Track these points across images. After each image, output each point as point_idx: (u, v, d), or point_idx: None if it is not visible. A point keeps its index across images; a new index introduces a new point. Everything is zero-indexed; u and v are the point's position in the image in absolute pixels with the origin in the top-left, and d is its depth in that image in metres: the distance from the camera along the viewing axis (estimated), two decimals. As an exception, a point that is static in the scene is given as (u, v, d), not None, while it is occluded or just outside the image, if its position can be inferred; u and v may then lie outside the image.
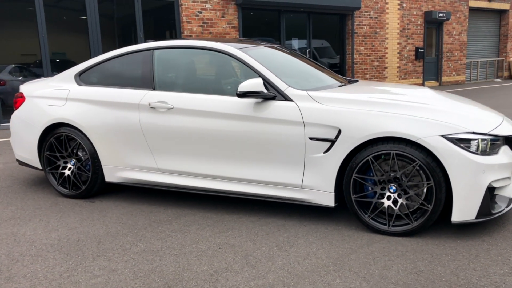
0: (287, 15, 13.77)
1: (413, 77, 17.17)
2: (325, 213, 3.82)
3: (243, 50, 3.91)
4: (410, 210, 3.24)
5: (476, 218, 3.11)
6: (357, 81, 4.46)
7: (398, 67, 16.55)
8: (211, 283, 2.70)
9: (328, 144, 3.37)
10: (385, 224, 3.30)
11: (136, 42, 11.13)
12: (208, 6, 11.94)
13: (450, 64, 18.48)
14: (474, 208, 3.09)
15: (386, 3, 15.86)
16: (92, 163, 4.26)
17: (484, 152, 3.10)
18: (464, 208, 3.09)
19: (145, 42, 4.77)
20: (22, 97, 4.70)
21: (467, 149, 3.06)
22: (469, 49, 19.64)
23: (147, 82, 4.10)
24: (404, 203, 3.23)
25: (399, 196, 3.25)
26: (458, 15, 18.42)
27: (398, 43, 16.41)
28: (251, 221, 3.68)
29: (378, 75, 16.04)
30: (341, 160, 3.31)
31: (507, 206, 3.27)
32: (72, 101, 4.34)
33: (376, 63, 15.87)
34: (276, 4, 12.86)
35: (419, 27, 16.99)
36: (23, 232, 3.61)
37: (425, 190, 3.18)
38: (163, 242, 3.33)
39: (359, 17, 15.17)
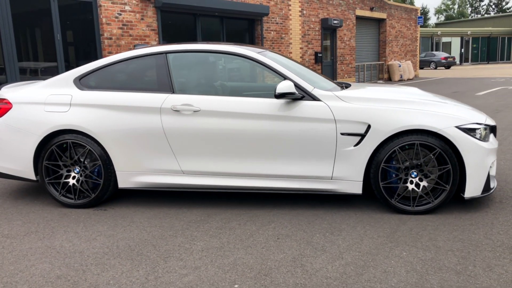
0: (203, 19, 13.96)
1: (314, 79, 18.45)
2: (342, 202, 4.23)
3: (262, 54, 4.16)
4: (431, 191, 3.80)
5: (482, 193, 3.77)
6: (349, 84, 4.95)
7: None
8: (300, 267, 2.94)
9: (358, 138, 3.78)
10: (409, 206, 3.81)
11: (54, 45, 10.45)
12: (127, 8, 11.65)
13: (343, 67, 20.21)
14: (480, 185, 3.74)
15: (289, 10, 16.86)
16: (104, 169, 4.14)
17: (483, 139, 3.78)
18: (474, 186, 3.73)
19: (134, 47, 4.75)
20: (7, 104, 4.35)
21: (475, 136, 3.70)
22: (357, 54, 21.65)
23: (165, 85, 4.12)
24: (426, 185, 3.78)
25: (421, 180, 3.79)
26: (348, 23, 20.23)
27: (301, 48, 17.52)
28: (284, 214, 3.95)
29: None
30: (371, 151, 3.75)
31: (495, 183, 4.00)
32: (77, 106, 4.16)
33: (283, 67, 16.76)
34: (192, 8, 12.99)
35: (317, 33, 18.32)
36: (59, 244, 3.44)
37: (440, 173, 3.75)
38: (218, 239, 3.45)
39: (267, 22, 15.92)
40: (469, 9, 76.87)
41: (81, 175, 4.23)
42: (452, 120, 3.70)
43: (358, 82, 21.75)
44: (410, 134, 3.72)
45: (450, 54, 43.43)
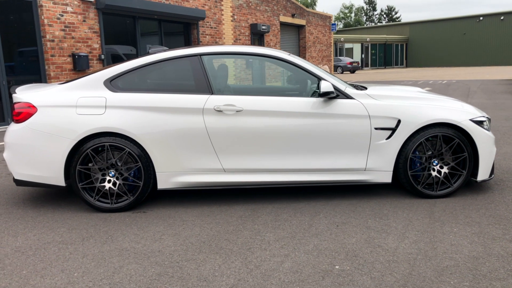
0: (142, 21, 13.72)
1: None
2: (365, 193, 4.64)
3: (292, 56, 4.43)
4: (450, 177, 4.34)
5: (489, 177, 4.40)
6: (356, 85, 5.36)
7: (234, 75, 18.01)
8: (378, 247, 3.26)
9: (389, 132, 4.21)
10: (432, 191, 4.32)
11: (-7, 46, 9.70)
12: (69, 9, 11.14)
13: (271, 72, 20.90)
14: (488, 170, 4.36)
15: (222, 15, 17.14)
16: (144, 171, 4.13)
17: (489, 130, 4.40)
18: (484, 171, 4.33)
19: (148, 49, 4.78)
20: (30, 108, 4.14)
21: (484, 128, 4.31)
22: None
23: (202, 87, 4.21)
24: (447, 172, 4.31)
25: (441, 167, 4.32)
26: (273, 28, 20.98)
27: (233, 52, 17.85)
28: (324, 205, 4.24)
29: (220, 81, 17.18)
30: (401, 144, 4.20)
31: None
32: (114, 108, 4.10)
33: (218, 70, 16.97)
34: (133, 10, 12.75)
35: (247, 38, 18.80)
36: (130, 246, 3.42)
37: (458, 161, 4.31)
38: (282, 230, 3.66)
39: (202, 26, 16.05)
40: (364, 18, 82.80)
41: (117, 178, 4.17)
42: (466, 114, 4.28)
43: (283, 85, 22.57)
44: (434, 127, 4.22)
45: (353, 59, 46.56)
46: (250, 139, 4.16)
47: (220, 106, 4.13)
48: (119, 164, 4.15)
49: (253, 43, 19.29)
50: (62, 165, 4.10)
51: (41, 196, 4.77)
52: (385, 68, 52.95)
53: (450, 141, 4.27)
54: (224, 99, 4.16)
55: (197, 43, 15.73)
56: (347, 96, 4.25)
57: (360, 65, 44.67)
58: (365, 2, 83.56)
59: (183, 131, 4.12)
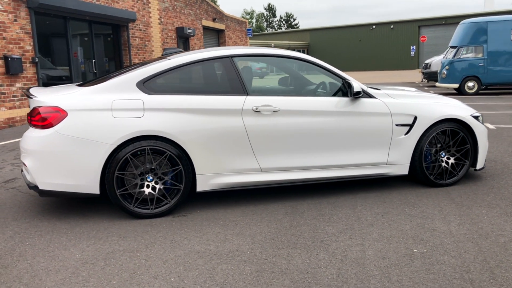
0: (73, 22, 12.98)
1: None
2: (376, 186, 5.00)
3: (316, 59, 4.65)
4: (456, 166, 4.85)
5: (483, 165, 4.99)
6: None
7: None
8: (439, 231, 3.60)
9: (407, 128, 4.61)
10: (442, 180, 4.80)
11: None
12: (-1, 7, 10.23)
13: (196, 75, 20.82)
14: (484, 159, 4.96)
15: (150, 17, 16.76)
16: (185, 174, 4.07)
17: (484, 124, 5.01)
18: (481, 160, 4.91)
19: (163, 51, 4.73)
20: (59, 112, 3.88)
21: (480, 122, 4.89)
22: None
23: (237, 88, 4.26)
24: (453, 162, 4.82)
25: (448, 158, 4.81)
26: (197, 32, 20.94)
27: (161, 56, 17.53)
28: (353, 199, 4.51)
29: (150, 85, 16.76)
30: (417, 138, 4.62)
31: None
32: (153, 111, 3.99)
33: (148, 74, 16.55)
34: (65, 10, 12.05)
35: (174, 41, 18.56)
36: (205, 249, 3.39)
37: (462, 152, 4.84)
38: (340, 223, 3.85)
39: (132, 29, 15.57)
40: (265, 24, 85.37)
41: (156, 183, 4.06)
42: (468, 111, 4.83)
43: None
44: (443, 123, 4.70)
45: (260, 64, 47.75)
46: (286, 138, 4.29)
47: (259, 106, 4.21)
48: (159, 168, 4.04)
49: (179, 46, 19.08)
50: (99, 172, 3.89)
51: (57, 206, 4.45)
52: (289, 72, 55.02)
53: (455, 135, 4.78)
54: (261, 99, 4.25)
55: (127, 46, 15.23)
56: (370, 96, 4.57)
57: (268, 71, 46.03)
58: (265, 9, 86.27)
59: (223, 132, 4.13)
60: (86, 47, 13.66)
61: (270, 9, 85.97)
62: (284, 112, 4.28)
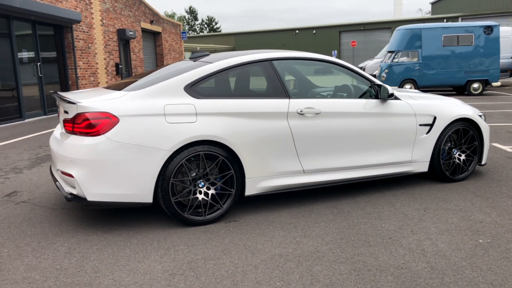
0: (17, 23, 12.06)
1: (116, 91, 17.91)
2: (394, 184, 5.26)
3: (348, 63, 4.80)
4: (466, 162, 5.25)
5: (486, 161, 5.45)
6: None
7: (106, 82, 16.97)
8: (485, 224, 3.90)
9: (428, 127, 4.91)
10: (455, 175, 5.16)
11: None
12: None
13: (136, 79, 20.18)
14: (487, 155, 5.41)
15: (93, 18, 16.02)
16: (236, 178, 4.02)
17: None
18: (486, 156, 5.36)
19: (191, 54, 4.68)
20: (109, 118, 3.66)
21: (484, 120, 5.34)
22: (145, 66, 21.88)
23: (279, 91, 4.28)
24: (464, 159, 5.20)
25: (460, 155, 5.19)
26: (136, 35, 20.31)
27: (104, 59, 16.83)
28: (384, 196, 4.72)
29: (95, 89, 16.02)
30: (437, 137, 4.94)
31: None
32: (204, 116, 3.90)
33: (92, 79, 15.82)
34: (8, 9, 11.18)
35: (115, 44, 17.87)
36: (286, 252, 3.39)
37: (472, 149, 5.25)
38: (394, 219, 4.02)
39: (76, 30, 14.78)
40: (187, 27, 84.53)
41: (208, 188, 3.97)
42: (474, 111, 5.24)
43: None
44: (456, 122, 5.07)
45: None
46: (328, 140, 4.40)
47: (302, 109, 4.27)
48: (211, 173, 3.95)
49: (121, 49, 18.42)
50: (154, 179, 3.73)
51: (89, 218, 4.17)
52: (216, 75, 54.98)
53: (466, 133, 5.17)
54: (304, 102, 4.31)
55: (72, 48, 14.43)
56: (395, 97, 4.81)
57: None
58: (186, 12, 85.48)
59: (270, 134, 4.14)
60: (30, 50, 12.74)
61: (192, 12, 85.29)
62: (325, 114, 4.38)
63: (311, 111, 4.31)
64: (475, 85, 16.59)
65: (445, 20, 39.10)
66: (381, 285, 2.87)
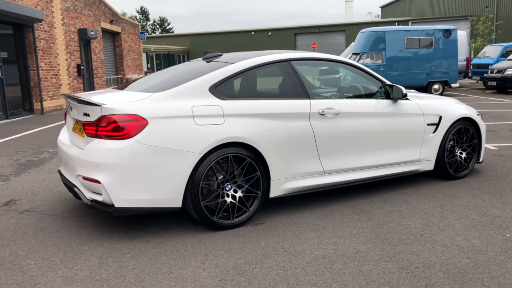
0: (-24, 21, 11.35)
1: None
2: (403, 183, 5.37)
3: (362, 65, 4.84)
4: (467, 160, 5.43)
5: (482, 159, 5.67)
6: None
7: (68, 84, 16.32)
8: (507, 218, 4.05)
9: (434, 127, 5.04)
10: (458, 173, 5.33)
11: None
12: None
13: (98, 81, 19.54)
14: (482, 152, 5.63)
15: (54, 17, 15.35)
16: (262, 180, 3.97)
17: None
18: (482, 153, 5.58)
19: (204, 54, 4.60)
20: (138, 120, 3.51)
21: (481, 119, 5.55)
22: (105, 67, 21.20)
23: (299, 92, 4.26)
24: (465, 156, 5.39)
25: (461, 153, 5.37)
26: (97, 34, 19.65)
27: (66, 60, 16.16)
28: (397, 195, 4.80)
29: (57, 92, 15.37)
30: (442, 136, 5.08)
31: None
32: (232, 117, 3.81)
33: (54, 80, 15.15)
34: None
35: (76, 44, 17.21)
36: (329, 254, 3.37)
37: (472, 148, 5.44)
38: (416, 217, 4.09)
39: (37, 30, 14.11)
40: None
41: (235, 191, 3.89)
42: (473, 110, 5.44)
43: (107, 95, 21.31)
44: (459, 121, 5.24)
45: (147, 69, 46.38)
46: (346, 140, 4.42)
47: (324, 110, 4.27)
48: (238, 175, 3.87)
49: (82, 49, 17.76)
50: (185, 183, 3.61)
51: (108, 225, 3.97)
52: (172, 77, 54.19)
53: (467, 132, 5.35)
54: (324, 103, 4.32)
55: (34, 49, 13.75)
56: (406, 98, 4.91)
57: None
58: (138, 12, 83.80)
59: (294, 135, 4.11)
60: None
61: (143, 12, 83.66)
62: (344, 115, 4.40)
63: (331, 111, 4.31)
64: (436, 86, 17.27)
65: (396, 23, 40.54)
66: (435, 281, 2.91)
